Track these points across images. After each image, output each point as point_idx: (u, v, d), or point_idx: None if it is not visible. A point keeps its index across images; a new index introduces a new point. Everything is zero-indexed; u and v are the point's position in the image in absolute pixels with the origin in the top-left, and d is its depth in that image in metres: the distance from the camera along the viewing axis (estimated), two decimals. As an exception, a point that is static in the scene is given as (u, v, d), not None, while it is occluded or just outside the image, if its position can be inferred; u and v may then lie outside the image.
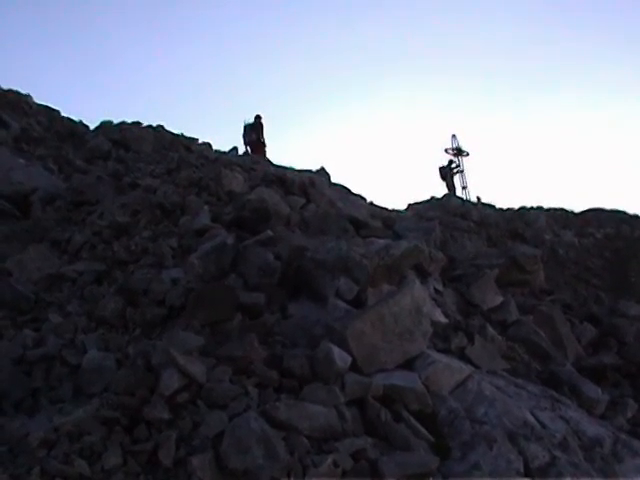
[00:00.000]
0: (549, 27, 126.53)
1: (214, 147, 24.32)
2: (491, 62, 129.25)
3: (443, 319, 11.43)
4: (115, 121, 22.94)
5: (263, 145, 25.18)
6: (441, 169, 29.80)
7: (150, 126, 23.20)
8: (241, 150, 24.80)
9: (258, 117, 25.23)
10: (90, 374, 8.10)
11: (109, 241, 12.29)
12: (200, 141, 24.13)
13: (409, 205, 26.07)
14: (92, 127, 22.63)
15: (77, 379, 8.16)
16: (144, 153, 19.49)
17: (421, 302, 10.03)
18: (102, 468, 6.48)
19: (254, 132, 24.90)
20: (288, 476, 6.58)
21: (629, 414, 10.93)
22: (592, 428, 8.96)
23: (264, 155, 24.78)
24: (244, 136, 25.04)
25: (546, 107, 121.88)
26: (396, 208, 24.21)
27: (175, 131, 24.01)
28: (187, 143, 22.49)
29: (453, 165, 30.70)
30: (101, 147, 18.89)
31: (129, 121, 23.04)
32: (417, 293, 10.09)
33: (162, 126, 23.68)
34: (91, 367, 8.19)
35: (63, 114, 23.33)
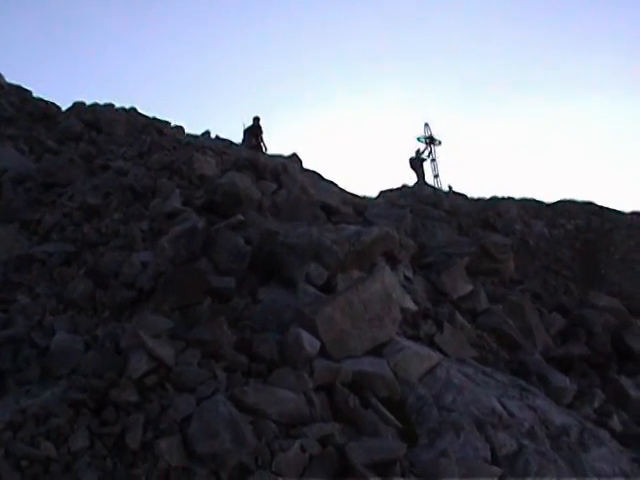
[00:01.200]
0: (523, 22, 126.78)
1: (187, 131, 24.21)
2: (466, 52, 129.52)
3: (413, 306, 11.46)
4: (87, 102, 22.72)
5: (263, 148, 25.01)
6: (411, 160, 29.78)
7: (123, 108, 23.02)
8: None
9: (256, 119, 24.91)
10: (58, 356, 8.03)
11: (79, 223, 12.20)
12: (173, 124, 24.00)
13: (381, 192, 26.10)
14: (64, 108, 22.38)
15: (45, 361, 8.07)
16: (116, 135, 19.29)
17: (391, 289, 10.07)
18: (69, 450, 6.45)
19: (253, 136, 24.72)
20: (256, 460, 6.59)
21: (596, 404, 11.03)
22: (559, 417, 9.06)
23: None
24: (244, 140, 24.84)
25: (520, 98, 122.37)
26: (368, 195, 24.24)
27: (148, 114, 23.88)
28: (159, 126, 22.27)
29: (422, 154, 30.70)
30: (73, 128, 18.67)
31: (102, 103, 22.87)
32: (387, 280, 10.13)
33: (135, 109, 23.49)
34: (59, 349, 8.12)
35: (35, 94, 23.08)
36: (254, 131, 24.68)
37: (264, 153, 23.69)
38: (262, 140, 24.55)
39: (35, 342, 8.51)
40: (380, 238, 11.80)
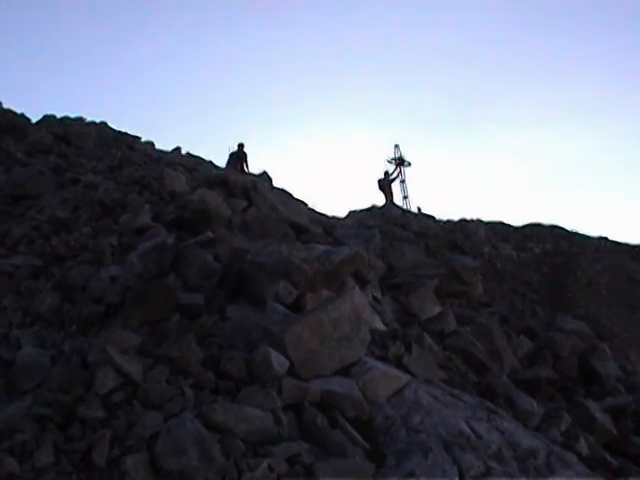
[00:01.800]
0: (495, 49, 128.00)
1: (157, 146, 24.14)
2: (437, 75, 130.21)
3: (382, 327, 11.50)
4: (58, 115, 22.65)
5: (246, 166, 25.03)
6: (379, 181, 29.82)
7: (93, 122, 22.96)
8: None
9: (241, 146, 24.96)
10: (24, 370, 7.93)
11: (48, 236, 12.10)
12: (143, 139, 23.95)
13: (350, 212, 26.10)
14: (34, 121, 22.28)
15: (10, 375, 7.99)
16: (86, 149, 19.25)
17: (360, 309, 10.08)
18: (33, 467, 6.38)
19: (239, 162, 24.77)
20: (223, 479, 6.55)
21: (563, 427, 11.08)
22: (527, 440, 9.08)
23: None
24: (228, 164, 24.85)
25: (489, 124, 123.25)
26: (337, 215, 24.27)
27: (118, 128, 23.82)
28: (130, 141, 22.24)
29: (391, 175, 30.74)
30: (43, 141, 18.57)
31: (72, 116, 22.80)
32: (357, 300, 10.14)
33: (105, 123, 23.45)
34: (25, 363, 8.04)
35: (5, 106, 22.94)
36: (239, 156, 24.70)
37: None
38: (247, 166, 24.58)
39: (1, 355, 8.42)
40: (349, 258, 11.82)
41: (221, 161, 24.23)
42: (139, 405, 7.31)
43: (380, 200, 28.83)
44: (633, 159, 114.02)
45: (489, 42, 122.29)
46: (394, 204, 29.26)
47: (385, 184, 29.63)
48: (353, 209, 26.45)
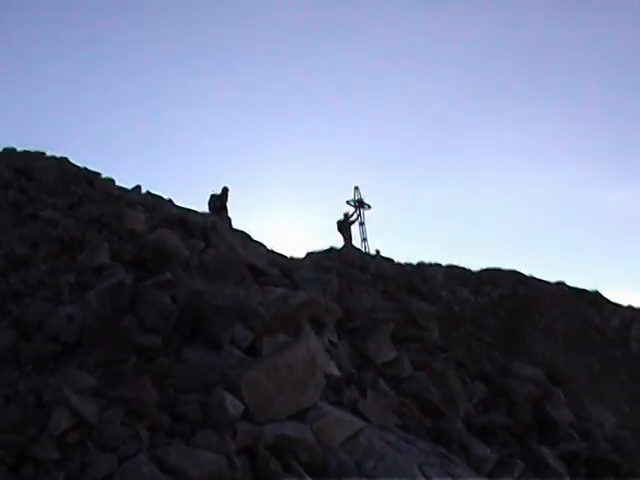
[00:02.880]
0: (455, 86, 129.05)
1: (117, 183, 24.12)
2: (397, 116, 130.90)
3: (337, 372, 11.54)
4: (18, 149, 22.55)
5: (226, 211, 25.46)
6: (338, 222, 29.94)
7: (54, 157, 22.88)
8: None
9: (225, 189, 25.55)
10: (-23, 409, 7.90)
11: (5, 272, 12.06)
12: (103, 176, 23.91)
13: (307, 254, 26.18)
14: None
15: (-37, 414, 7.94)
16: (46, 184, 19.14)
17: (316, 354, 10.16)
18: (-17, 509, 6.35)
19: (219, 200, 25.21)
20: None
21: (516, 474, 11.17)
22: (479, 486, 9.15)
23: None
24: (209, 203, 25.32)
25: (449, 165, 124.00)
26: (296, 256, 24.34)
27: (79, 164, 23.75)
28: (90, 177, 22.17)
29: (351, 217, 30.90)
30: (2, 174, 18.50)
31: (32, 150, 22.72)
32: (312, 345, 10.22)
33: (66, 158, 23.37)
34: (-21, 402, 7.99)
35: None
36: (220, 197, 25.27)
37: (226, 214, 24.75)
38: (226, 205, 24.99)
39: (-47, 394, 8.38)
40: (306, 302, 11.90)
41: (180, 199, 24.39)
42: (93, 446, 7.31)
43: (339, 242, 28.99)
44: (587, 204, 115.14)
45: (449, 85, 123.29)
46: (353, 246, 29.43)
47: (344, 226, 29.81)
48: (311, 250, 26.58)
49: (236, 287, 11.95)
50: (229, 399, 8.40)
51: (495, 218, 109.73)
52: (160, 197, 23.30)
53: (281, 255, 21.88)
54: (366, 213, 32.33)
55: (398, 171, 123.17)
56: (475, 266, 28.49)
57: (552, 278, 28.24)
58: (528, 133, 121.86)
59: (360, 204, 31.97)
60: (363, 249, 30.65)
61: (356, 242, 30.47)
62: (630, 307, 28.27)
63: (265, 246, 21.61)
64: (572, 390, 17.44)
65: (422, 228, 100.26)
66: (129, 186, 23.94)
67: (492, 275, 27.55)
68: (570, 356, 23.15)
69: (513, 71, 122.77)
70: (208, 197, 25.51)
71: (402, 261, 28.03)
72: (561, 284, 28.01)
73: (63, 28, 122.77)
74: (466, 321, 23.12)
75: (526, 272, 28.11)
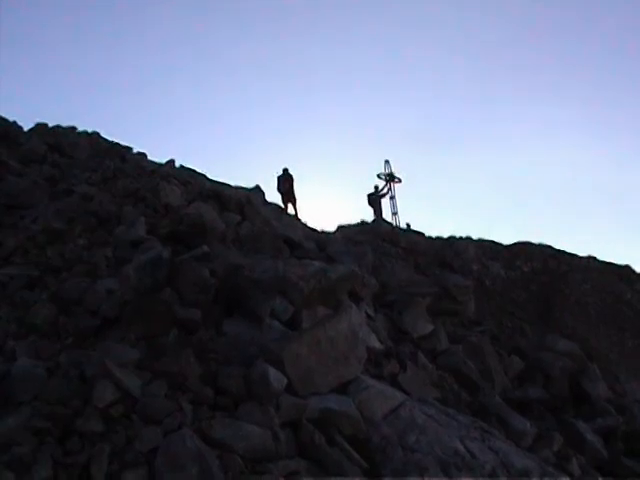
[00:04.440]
0: (485, 63, 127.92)
1: (149, 158, 24.07)
2: (430, 91, 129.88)
3: (378, 345, 11.51)
4: (50, 124, 22.55)
5: (294, 194, 25.69)
6: (369, 196, 29.73)
7: (85, 132, 22.89)
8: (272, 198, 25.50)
9: (286, 170, 26.41)
10: (20, 382, 7.85)
11: (43, 246, 12.04)
12: (135, 150, 23.87)
13: (339, 227, 26.03)
14: (26, 129, 22.15)
15: (6, 387, 7.89)
16: (79, 159, 19.14)
17: (357, 327, 10.12)
18: (31, 481, 6.34)
19: (287, 182, 25.51)
20: (222, 495, 6.55)
21: (555, 447, 11.11)
22: (520, 460, 9.07)
23: (294, 204, 26.01)
24: (278, 185, 25.60)
25: (481, 140, 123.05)
26: (326, 230, 24.24)
27: (110, 138, 23.74)
28: (122, 152, 22.14)
29: (381, 191, 30.67)
30: (36, 150, 18.45)
31: (64, 125, 22.73)
32: (354, 318, 10.18)
33: (97, 133, 23.38)
34: (21, 375, 7.95)
35: (-4, 113, 22.77)
36: (287, 178, 26.09)
37: (295, 201, 25.71)
38: (293, 188, 26.02)
39: (-4, 366, 8.36)
40: (346, 276, 11.83)
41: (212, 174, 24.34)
42: (138, 420, 7.31)
43: (369, 215, 28.84)
44: (624, 179, 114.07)
45: (484, 58, 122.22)
46: (383, 220, 29.26)
47: (375, 199, 29.65)
48: (342, 224, 26.44)
49: (274, 260, 11.89)
50: (272, 373, 8.37)
51: (526, 191, 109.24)
52: (194, 171, 23.23)
53: (313, 229, 21.82)
54: (397, 187, 32.09)
55: (429, 145, 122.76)
56: (506, 240, 28.26)
57: (583, 252, 28.02)
58: (562, 104, 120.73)
59: (391, 178, 31.73)
60: (394, 223, 30.45)
61: (387, 216, 30.30)
62: (662, 282, 27.97)
63: (299, 219, 21.57)
64: (606, 365, 17.36)
65: (453, 202, 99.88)
66: (161, 160, 23.93)
67: (523, 249, 27.25)
68: (602, 331, 22.94)
69: (545, 44, 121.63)
70: (275, 179, 26.19)
71: (433, 235, 27.82)
72: (592, 258, 27.74)
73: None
74: (497, 295, 22.97)
75: (557, 246, 27.89)
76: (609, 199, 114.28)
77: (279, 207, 21.40)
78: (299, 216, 24.61)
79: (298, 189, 25.97)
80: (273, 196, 23.71)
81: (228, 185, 20.17)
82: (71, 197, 14.47)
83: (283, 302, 10.71)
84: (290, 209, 25.08)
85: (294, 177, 26.14)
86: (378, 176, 31.73)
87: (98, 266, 11.34)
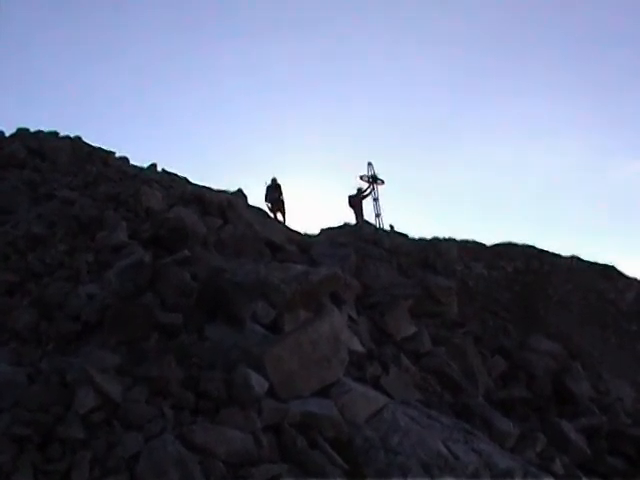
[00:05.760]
0: (466, 64, 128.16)
1: (132, 162, 24.03)
2: (412, 92, 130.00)
3: (360, 348, 11.52)
4: (31, 129, 22.51)
5: (283, 204, 25.70)
6: (350, 197, 29.72)
7: (67, 137, 22.84)
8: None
9: (275, 180, 26.37)
10: (0, 389, 7.82)
11: (24, 252, 12.01)
12: (117, 155, 23.82)
13: (322, 230, 26.04)
14: (7, 134, 22.10)
15: (-15, 392, 7.89)
16: (61, 164, 19.12)
17: (339, 330, 10.12)
18: (10, 488, 6.31)
19: (276, 191, 25.52)
20: (204, 501, 6.54)
21: (538, 448, 11.15)
22: (503, 461, 9.09)
23: (284, 214, 25.95)
24: (266, 195, 25.63)
25: (463, 141, 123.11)
26: (309, 232, 24.25)
27: (92, 143, 23.69)
28: (104, 156, 22.13)
29: (364, 192, 30.66)
30: (17, 154, 18.45)
31: (45, 130, 22.68)
32: (336, 321, 10.18)
33: (79, 137, 23.34)
34: (1, 381, 7.91)
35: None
36: (276, 187, 26.08)
37: (284, 207, 25.78)
38: (282, 197, 26.10)
39: (-25, 372, 8.32)
40: (328, 278, 11.81)
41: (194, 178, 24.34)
42: (119, 425, 7.28)
43: (352, 217, 28.83)
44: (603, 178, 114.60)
45: (469, 53, 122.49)
46: (366, 221, 29.27)
47: (357, 201, 29.65)
48: (325, 227, 26.44)
49: (255, 264, 11.89)
50: (254, 377, 8.37)
51: (508, 192, 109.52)
52: (176, 175, 23.20)
53: (296, 231, 21.84)
54: (379, 188, 32.08)
55: (411, 147, 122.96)
56: (489, 241, 28.33)
57: (565, 252, 28.13)
58: (540, 105, 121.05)
59: (374, 179, 31.70)
60: (377, 224, 30.46)
61: (370, 217, 30.28)
62: (645, 281, 28.08)
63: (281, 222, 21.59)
64: (589, 364, 17.45)
65: (436, 203, 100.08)
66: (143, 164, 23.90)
67: (506, 249, 27.36)
68: (585, 330, 23.07)
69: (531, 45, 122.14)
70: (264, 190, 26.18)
71: (416, 236, 27.85)
72: (575, 258, 27.86)
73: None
74: (481, 296, 23.02)
75: (540, 246, 27.97)
76: (593, 198, 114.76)
77: (261, 210, 21.38)
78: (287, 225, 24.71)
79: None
80: (256, 201, 23.75)
81: (210, 189, 20.15)
82: (52, 202, 14.46)
83: (265, 305, 10.71)
84: (279, 218, 25.10)
85: (281, 186, 26.17)
86: (361, 178, 31.72)
87: (79, 271, 11.32)
